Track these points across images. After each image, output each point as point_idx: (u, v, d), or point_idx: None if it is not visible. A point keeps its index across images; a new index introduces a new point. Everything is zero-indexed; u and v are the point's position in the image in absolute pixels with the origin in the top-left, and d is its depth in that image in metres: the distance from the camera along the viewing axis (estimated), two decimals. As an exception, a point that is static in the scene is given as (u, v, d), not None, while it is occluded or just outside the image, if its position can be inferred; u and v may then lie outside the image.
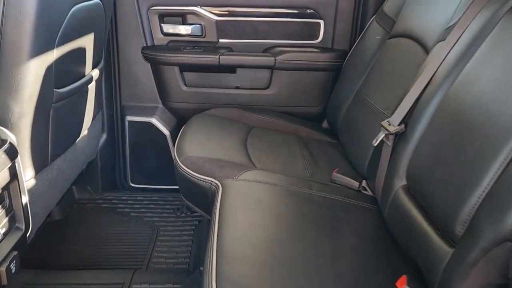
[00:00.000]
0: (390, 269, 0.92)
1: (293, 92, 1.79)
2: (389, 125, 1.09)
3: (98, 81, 1.48)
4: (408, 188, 1.01)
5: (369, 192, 1.24)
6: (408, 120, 1.06)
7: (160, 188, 1.87)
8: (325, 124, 1.81)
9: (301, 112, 1.81)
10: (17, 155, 0.98)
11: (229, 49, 1.75)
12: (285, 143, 1.50)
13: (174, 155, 1.30)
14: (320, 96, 1.80)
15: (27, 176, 1.09)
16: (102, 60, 1.49)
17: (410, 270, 0.90)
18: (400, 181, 1.03)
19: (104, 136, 1.76)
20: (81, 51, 1.26)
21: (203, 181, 1.18)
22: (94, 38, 1.33)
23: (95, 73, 1.40)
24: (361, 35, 1.62)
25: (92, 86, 1.40)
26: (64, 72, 1.16)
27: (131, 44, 1.73)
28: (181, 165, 1.24)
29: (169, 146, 1.83)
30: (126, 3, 1.67)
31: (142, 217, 1.72)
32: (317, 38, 1.75)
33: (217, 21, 1.71)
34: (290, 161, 1.36)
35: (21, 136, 1.04)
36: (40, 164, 1.15)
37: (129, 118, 1.80)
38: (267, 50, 1.76)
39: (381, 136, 1.09)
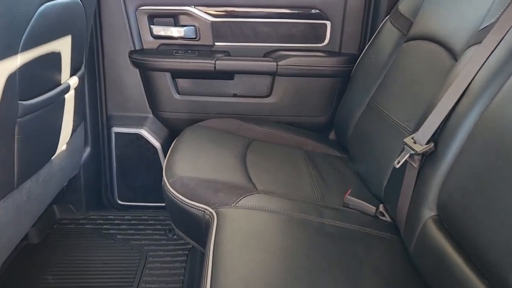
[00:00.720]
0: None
1: (296, 101, 1.62)
2: (415, 143, 0.92)
3: (78, 90, 1.31)
4: (439, 220, 0.84)
5: (387, 218, 1.08)
6: (438, 137, 0.89)
7: (151, 205, 1.70)
8: (332, 136, 1.64)
9: (305, 123, 1.65)
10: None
11: (226, 53, 1.59)
12: (289, 159, 1.33)
13: (163, 176, 1.13)
14: (326, 105, 1.64)
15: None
16: (83, 66, 1.32)
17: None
18: (430, 211, 0.87)
19: (88, 149, 1.59)
20: (55, 56, 1.09)
21: (195, 208, 1.01)
22: (71, 41, 1.17)
23: (73, 81, 1.23)
24: (373, 37, 1.45)
25: (70, 96, 1.23)
26: (31, 81, 0.99)
27: (118, 47, 1.56)
28: (170, 188, 1.07)
29: (160, 159, 1.66)
30: (112, 3, 1.50)
31: (130, 239, 1.54)
32: (323, 41, 1.59)
33: (212, 23, 1.55)
34: (296, 181, 1.19)
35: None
36: (4, 189, 0.98)
37: (116, 129, 1.63)
38: (268, 54, 1.60)
39: (405, 156, 0.92)
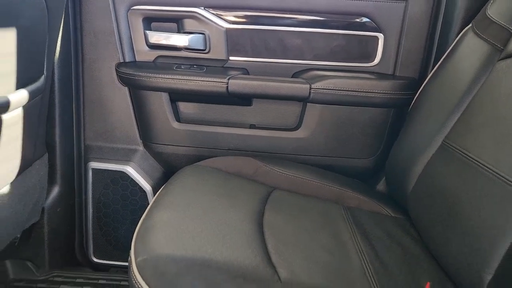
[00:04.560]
0: None
1: (334, 137, 1.22)
2: None
3: (31, 109, 0.94)
4: None
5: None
6: None
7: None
8: (381, 186, 1.22)
9: (345, 167, 1.23)
10: None
11: (243, 71, 1.21)
12: (326, 221, 0.92)
13: (131, 249, 0.72)
14: (374, 144, 1.23)
15: None
16: (43, 77, 0.95)
17: None
18: None
19: (56, 189, 1.20)
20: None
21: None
22: (17, 39, 0.80)
23: (20, 96, 0.85)
24: (447, 53, 1.05)
25: (13, 117, 0.85)
26: None
27: (102, 59, 1.20)
28: (135, 273, 0.65)
29: (150, 206, 1.26)
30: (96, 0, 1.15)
31: (100, 317, 1.13)
32: (372, 60, 1.19)
33: (227, 30, 1.18)
34: (340, 262, 0.77)
35: None
36: None
37: (94, 164, 1.25)
38: (298, 74, 1.21)
39: None
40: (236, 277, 0.63)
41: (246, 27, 1.18)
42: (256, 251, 0.73)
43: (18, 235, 1.13)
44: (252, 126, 1.25)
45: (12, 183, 0.94)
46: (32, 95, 0.89)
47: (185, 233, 0.73)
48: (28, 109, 0.90)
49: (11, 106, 0.82)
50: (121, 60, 1.20)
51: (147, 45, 1.20)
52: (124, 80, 1.20)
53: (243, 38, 1.18)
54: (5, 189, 0.92)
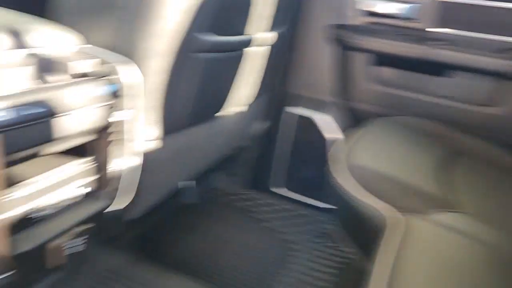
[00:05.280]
0: None
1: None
2: None
3: (273, 50, 1.16)
4: None
5: None
6: None
7: (309, 204, 1.48)
8: None
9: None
10: (120, 97, 0.71)
11: (449, 42, 1.26)
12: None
13: (328, 164, 0.89)
14: None
15: (146, 136, 0.83)
16: (286, 28, 1.17)
17: None
18: None
19: (263, 124, 1.46)
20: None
21: (374, 208, 0.75)
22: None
23: (271, 36, 1.08)
24: None
25: (260, 52, 1.10)
26: (228, 14, 0.87)
27: (318, 19, 1.39)
28: (338, 173, 0.82)
29: (334, 154, 1.43)
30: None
31: (279, 232, 1.36)
32: None
33: (440, 3, 1.24)
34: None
35: (150, 81, 0.78)
36: (169, 125, 0.88)
37: (292, 109, 1.47)
38: (503, 51, 1.22)
39: None
40: (424, 194, 0.75)
41: (458, 0, 1.23)
42: (442, 185, 0.83)
43: (230, 152, 1.42)
44: (443, 97, 1.30)
45: (249, 105, 1.20)
46: (277, 38, 1.12)
47: (382, 158, 0.87)
48: (271, 49, 1.13)
49: (263, 44, 1.06)
50: (335, 22, 1.37)
51: (360, 10, 1.34)
52: (335, 39, 1.37)
53: (453, 12, 1.24)
54: (243, 108, 1.18)
